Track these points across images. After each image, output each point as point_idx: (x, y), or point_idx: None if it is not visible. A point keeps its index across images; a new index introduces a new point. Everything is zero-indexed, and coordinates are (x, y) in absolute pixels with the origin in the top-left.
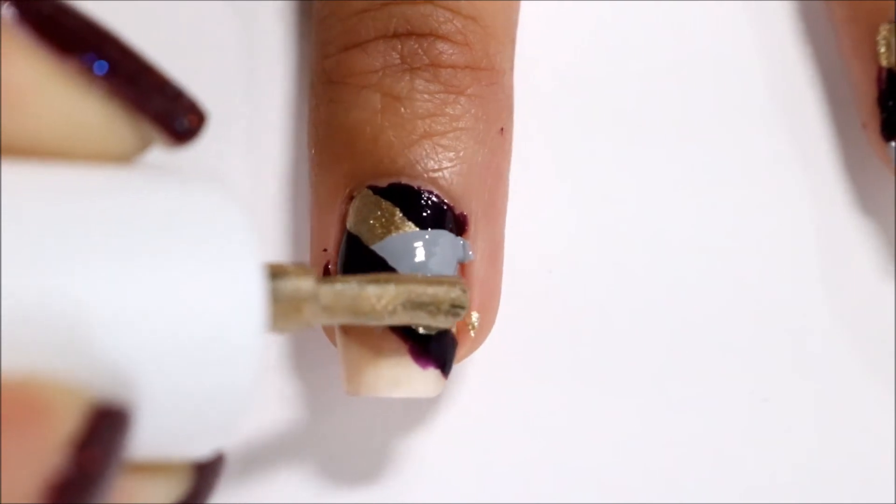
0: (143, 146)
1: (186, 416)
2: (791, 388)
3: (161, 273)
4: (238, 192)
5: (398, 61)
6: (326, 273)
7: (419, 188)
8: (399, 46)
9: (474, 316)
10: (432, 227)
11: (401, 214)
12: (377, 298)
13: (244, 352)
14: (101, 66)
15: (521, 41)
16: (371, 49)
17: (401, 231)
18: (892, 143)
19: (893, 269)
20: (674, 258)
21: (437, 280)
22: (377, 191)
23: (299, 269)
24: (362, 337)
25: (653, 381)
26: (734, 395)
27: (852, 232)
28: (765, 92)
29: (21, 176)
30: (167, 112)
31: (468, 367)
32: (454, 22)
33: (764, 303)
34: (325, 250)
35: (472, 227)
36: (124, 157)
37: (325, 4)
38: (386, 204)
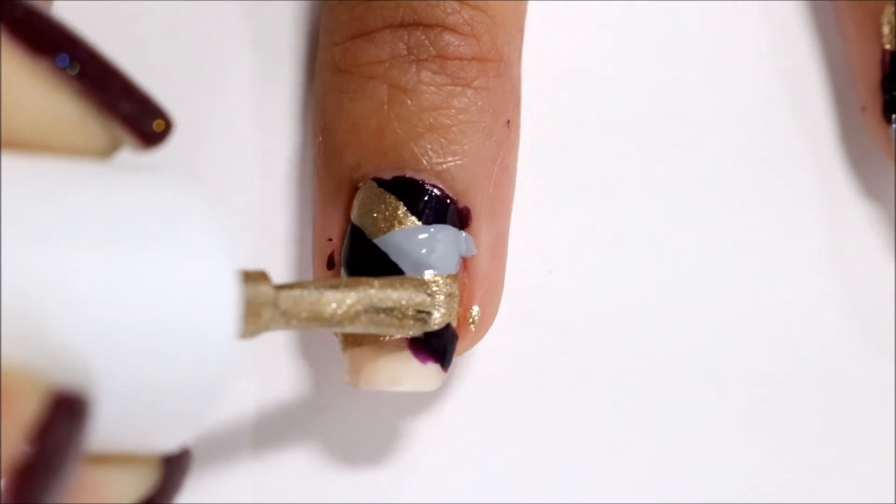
0: (114, 147)
1: (154, 408)
2: (791, 388)
3: (130, 264)
4: (216, 190)
5: (405, 52)
6: (331, 263)
7: (423, 182)
8: (406, 37)
9: (475, 310)
10: (435, 222)
11: (404, 209)
12: (337, 304)
13: (214, 347)
14: (72, 67)
15: (527, 38)
16: (378, 39)
17: (403, 226)
18: (894, 125)
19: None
20: (674, 258)
21: (402, 284)
22: (381, 183)
23: (258, 274)
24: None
25: (652, 381)
26: (734, 395)
27: (857, 231)
28: (770, 85)
29: None
30: (135, 115)
31: (468, 366)
32: (462, 13)
33: (764, 303)
34: (329, 239)
35: (476, 221)
36: (97, 156)
37: None
38: (390, 198)
